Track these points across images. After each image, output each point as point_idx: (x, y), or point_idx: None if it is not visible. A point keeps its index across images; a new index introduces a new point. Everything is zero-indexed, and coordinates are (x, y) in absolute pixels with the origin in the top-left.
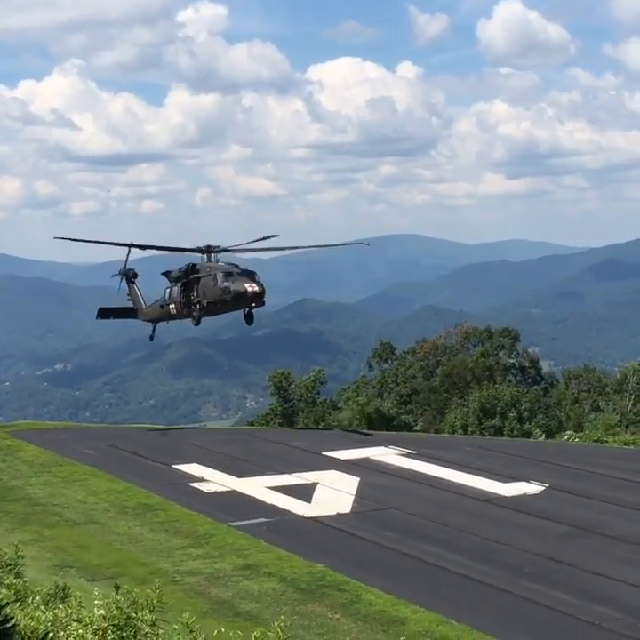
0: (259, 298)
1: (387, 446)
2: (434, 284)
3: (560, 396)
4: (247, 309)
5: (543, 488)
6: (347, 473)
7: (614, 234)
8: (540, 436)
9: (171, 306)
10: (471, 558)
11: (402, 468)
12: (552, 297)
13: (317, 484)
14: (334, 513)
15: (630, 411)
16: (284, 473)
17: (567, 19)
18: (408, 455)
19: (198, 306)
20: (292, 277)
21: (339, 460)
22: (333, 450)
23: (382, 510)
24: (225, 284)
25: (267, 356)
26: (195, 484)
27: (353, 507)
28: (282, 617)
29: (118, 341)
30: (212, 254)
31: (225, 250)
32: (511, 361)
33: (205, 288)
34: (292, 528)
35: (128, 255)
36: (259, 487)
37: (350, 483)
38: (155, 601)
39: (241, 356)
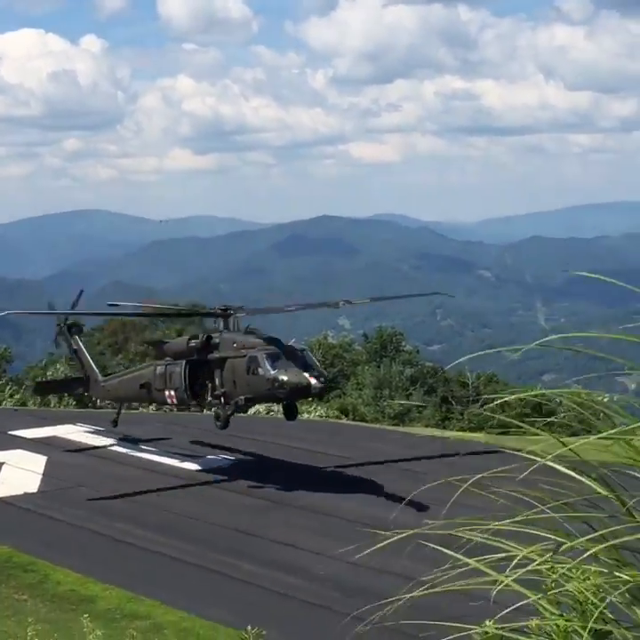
0: (322, 393)
1: (74, 423)
2: (122, 261)
3: None
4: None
5: (232, 461)
6: (33, 452)
7: (299, 210)
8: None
9: (167, 393)
10: (161, 534)
11: (90, 445)
12: (239, 272)
13: (3, 463)
14: (21, 492)
15: None
16: None
17: None
18: (96, 432)
19: (225, 401)
20: None
21: (25, 438)
22: (19, 428)
23: (71, 488)
24: (272, 372)
25: None
26: None
27: (40, 485)
28: None
29: None
30: (232, 318)
31: (251, 311)
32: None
33: (239, 376)
34: None
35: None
36: None
37: (37, 461)
38: None
39: None
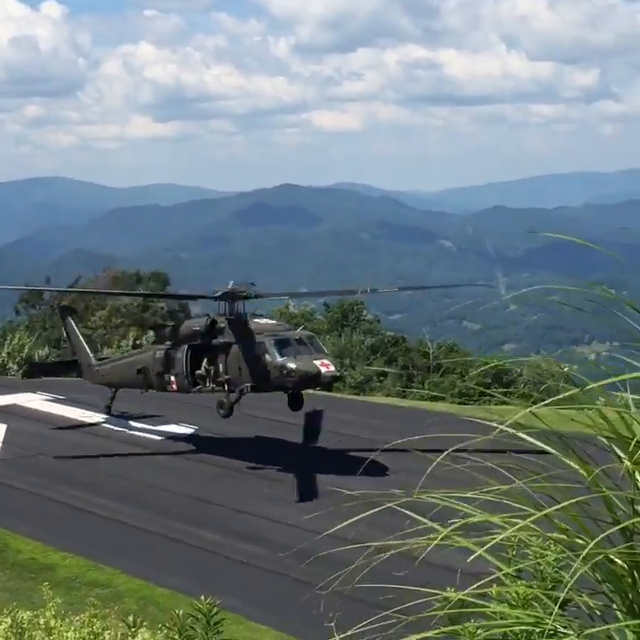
0: (333, 382)
1: (34, 392)
2: (83, 228)
3: None
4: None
5: (192, 430)
6: None
7: (262, 178)
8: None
9: (167, 378)
10: (120, 502)
11: (50, 413)
12: (201, 241)
13: None
14: None
15: None
16: None
17: None
18: (56, 400)
19: (229, 388)
20: None
21: None
22: None
23: (30, 456)
24: (280, 360)
25: None
26: None
27: (0, 454)
28: None
29: None
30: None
31: (253, 296)
32: (161, 305)
33: (246, 363)
34: None
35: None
36: None
37: None
38: None
39: None
